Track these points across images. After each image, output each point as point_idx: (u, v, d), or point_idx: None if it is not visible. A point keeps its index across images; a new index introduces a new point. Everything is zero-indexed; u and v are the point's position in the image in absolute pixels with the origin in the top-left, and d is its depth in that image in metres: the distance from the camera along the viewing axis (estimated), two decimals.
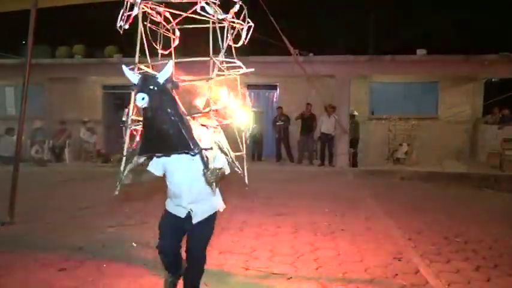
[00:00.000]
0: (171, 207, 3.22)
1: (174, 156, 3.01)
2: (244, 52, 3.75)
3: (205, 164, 2.87)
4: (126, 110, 3.26)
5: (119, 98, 13.90)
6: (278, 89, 14.53)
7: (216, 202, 3.27)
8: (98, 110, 14.82)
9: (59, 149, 13.60)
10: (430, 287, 3.99)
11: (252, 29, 3.42)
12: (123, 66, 2.77)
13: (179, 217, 3.16)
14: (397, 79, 13.82)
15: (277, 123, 13.13)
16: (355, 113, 12.86)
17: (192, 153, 2.81)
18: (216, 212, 3.28)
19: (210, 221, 3.23)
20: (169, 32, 3.71)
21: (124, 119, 3.25)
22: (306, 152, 13.12)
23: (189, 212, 3.12)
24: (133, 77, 2.72)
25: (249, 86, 14.03)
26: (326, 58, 12.72)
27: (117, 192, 3.15)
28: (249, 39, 3.46)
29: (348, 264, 4.54)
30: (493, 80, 14.49)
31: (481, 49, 12.52)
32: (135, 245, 5.09)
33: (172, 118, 2.65)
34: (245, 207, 7.02)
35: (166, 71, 2.67)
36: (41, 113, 14.24)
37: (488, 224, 6.22)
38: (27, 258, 4.60)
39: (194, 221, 3.12)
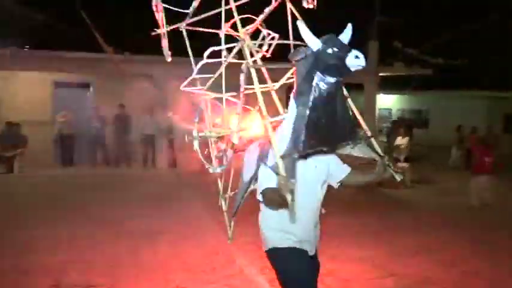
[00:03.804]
0: (288, 240, 2.40)
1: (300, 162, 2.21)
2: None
3: (378, 152, 2.30)
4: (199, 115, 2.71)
5: None
6: (91, 88, 13.57)
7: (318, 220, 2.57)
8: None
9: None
10: (246, 274, 4.34)
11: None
12: (300, 23, 1.98)
13: (308, 254, 2.42)
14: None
15: (92, 125, 12.26)
16: (171, 113, 12.93)
17: (358, 142, 2.19)
18: None
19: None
20: None
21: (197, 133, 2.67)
22: (122, 154, 12.60)
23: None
24: (314, 38, 1.92)
25: (57, 84, 12.76)
26: (144, 58, 12.45)
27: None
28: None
29: (168, 265, 4.57)
30: None
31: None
32: None
33: (344, 95, 2.10)
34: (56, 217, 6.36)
35: (346, 37, 1.97)
36: None
37: None
38: None
39: (312, 252, 2.47)
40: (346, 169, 2.50)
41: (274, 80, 2.81)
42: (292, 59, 2.00)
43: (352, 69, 1.85)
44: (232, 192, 2.88)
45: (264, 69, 2.65)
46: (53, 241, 5.35)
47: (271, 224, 2.43)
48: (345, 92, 2.23)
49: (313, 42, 1.89)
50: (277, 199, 1.93)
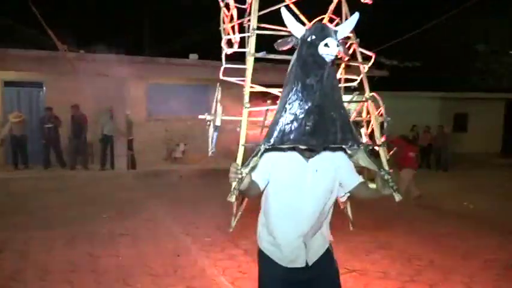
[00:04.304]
0: (273, 250, 2.19)
1: (292, 164, 2.08)
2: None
3: (376, 163, 2.00)
4: (215, 105, 2.59)
5: None
6: (44, 88, 13.03)
7: (325, 228, 2.29)
8: None
9: None
10: (208, 275, 4.32)
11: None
12: (283, 10, 1.85)
13: (293, 268, 2.16)
14: (173, 81, 14.30)
15: (46, 126, 11.76)
16: (128, 112, 12.67)
17: (356, 146, 1.91)
18: (330, 244, 2.32)
19: (332, 259, 2.29)
20: None
21: (209, 117, 2.64)
22: (78, 156, 12.18)
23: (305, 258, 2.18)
24: (297, 25, 1.83)
25: (7, 83, 12.18)
26: (100, 57, 12.10)
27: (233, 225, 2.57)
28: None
29: (129, 269, 4.47)
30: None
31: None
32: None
33: (337, 92, 1.89)
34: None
35: (351, 24, 1.87)
36: None
37: None
38: None
39: (310, 262, 2.18)
40: (356, 178, 2.19)
41: None
42: (278, 48, 1.91)
43: (325, 58, 1.74)
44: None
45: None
46: (5, 246, 5.10)
47: (262, 223, 2.26)
48: (368, 93, 2.22)
49: (296, 30, 1.82)
50: (231, 180, 1.89)
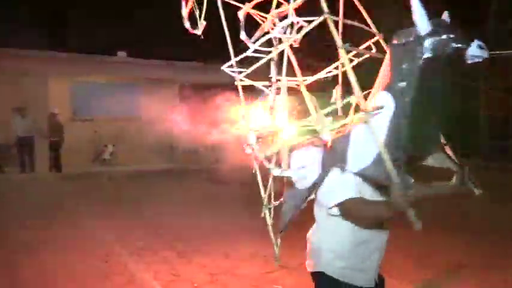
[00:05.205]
0: (349, 274, 1.93)
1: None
2: None
3: (455, 161, 1.85)
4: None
5: None
6: None
7: None
8: None
9: None
10: (139, 280, 4.20)
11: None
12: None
13: None
14: (100, 79, 13.69)
15: None
16: (56, 111, 11.91)
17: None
18: None
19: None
20: None
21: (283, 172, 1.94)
22: None
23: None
24: (426, 19, 1.59)
25: None
26: (16, 52, 11.24)
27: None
28: None
29: (53, 278, 4.23)
30: (186, 84, 16.38)
31: (180, 56, 14.03)
32: None
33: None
34: None
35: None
36: None
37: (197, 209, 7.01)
38: None
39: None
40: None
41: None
42: (399, 40, 1.69)
43: (471, 60, 1.59)
44: (277, 202, 2.35)
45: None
46: None
47: (339, 251, 1.93)
48: None
49: (424, 24, 1.60)
50: (384, 214, 1.65)
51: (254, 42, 2.14)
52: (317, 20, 1.81)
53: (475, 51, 1.56)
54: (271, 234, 2.31)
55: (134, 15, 17.32)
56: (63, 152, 12.20)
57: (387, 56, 1.75)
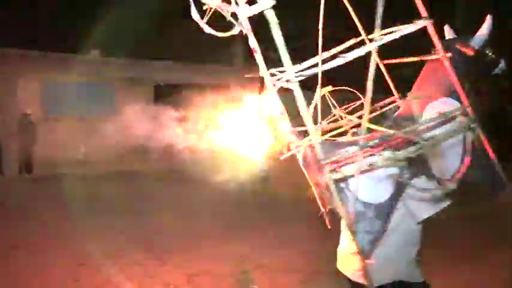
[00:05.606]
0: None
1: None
2: None
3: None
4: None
5: None
6: None
7: None
8: None
9: None
10: (113, 284, 4.14)
11: None
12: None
13: None
14: (73, 79, 13.39)
15: None
16: (28, 111, 11.61)
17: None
18: None
19: None
20: None
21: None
22: None
23: None
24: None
25: None
26: None
27: None
28: None
29: (23, 284, 4.12)
30: (162, 84, 16.22)
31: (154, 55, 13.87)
32: None
33: None
34: None
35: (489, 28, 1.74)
36: None
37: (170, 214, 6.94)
38: None
39: None
40: None
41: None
42: (475, 48, 1.70)
43: (498, 72, 1.78)
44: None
45: None
46: None
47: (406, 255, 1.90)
48: None
49: (482, 37, 1.72)
50: None
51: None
52: (414, 26, 1.30)
53: (503, 65, 1.74)
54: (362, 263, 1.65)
55: (109, 13, 16.97)
56: (35, 152, 11.91)
57: (446, 64, 1.51)
